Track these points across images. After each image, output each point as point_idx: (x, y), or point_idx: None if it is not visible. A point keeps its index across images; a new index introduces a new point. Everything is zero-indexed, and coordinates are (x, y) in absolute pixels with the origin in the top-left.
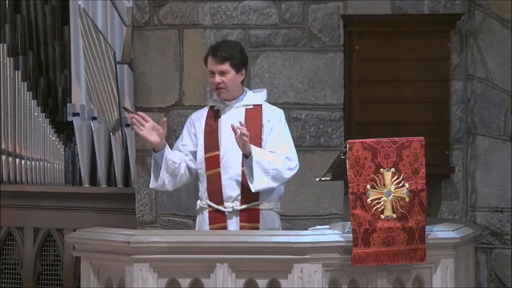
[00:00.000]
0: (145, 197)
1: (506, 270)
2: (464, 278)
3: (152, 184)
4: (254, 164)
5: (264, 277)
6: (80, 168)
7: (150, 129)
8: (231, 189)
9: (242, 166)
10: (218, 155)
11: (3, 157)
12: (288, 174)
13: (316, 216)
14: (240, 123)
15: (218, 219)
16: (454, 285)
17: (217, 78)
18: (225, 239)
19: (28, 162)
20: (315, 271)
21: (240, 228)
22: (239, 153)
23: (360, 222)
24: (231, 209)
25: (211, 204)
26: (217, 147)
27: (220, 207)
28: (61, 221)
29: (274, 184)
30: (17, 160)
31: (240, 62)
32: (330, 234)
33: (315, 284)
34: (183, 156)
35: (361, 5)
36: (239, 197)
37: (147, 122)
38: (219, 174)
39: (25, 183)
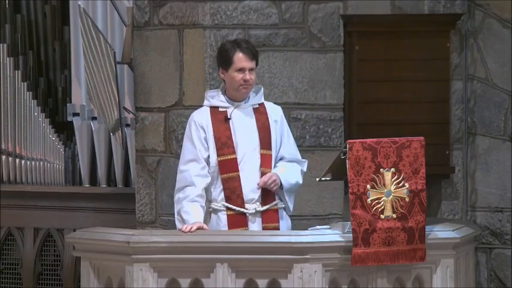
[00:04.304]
0: (145, 197)
1: (506, 270)
2: (464, 278)
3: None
4: (286, 193)
5: (264, 277)
6: (80, 168)
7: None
8: (251, 191)
9: (260, 167)
10: (235, 158)
11: (3, 157)
12: (302, 178)
13: (316, 216)
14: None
15: (239, 221)
16: (454, 285)
17: (249, 75)
18: (225, 239)
19: (28, 162)
20: (315, 271)
21: (263, 229)
22: (257, 155)
23: (360, 222)
24: (254, 211)
25: (231, 206)
26: (233, 151)
27: (242, 210)
28: (61, 221)
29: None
30: (17, 160)
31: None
32: (330, 234)
33: (315, 284)
34: (201, 192)
35: (361, 5)
36: (260, 199)
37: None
38: (237, 178)
39: (25, 183)
